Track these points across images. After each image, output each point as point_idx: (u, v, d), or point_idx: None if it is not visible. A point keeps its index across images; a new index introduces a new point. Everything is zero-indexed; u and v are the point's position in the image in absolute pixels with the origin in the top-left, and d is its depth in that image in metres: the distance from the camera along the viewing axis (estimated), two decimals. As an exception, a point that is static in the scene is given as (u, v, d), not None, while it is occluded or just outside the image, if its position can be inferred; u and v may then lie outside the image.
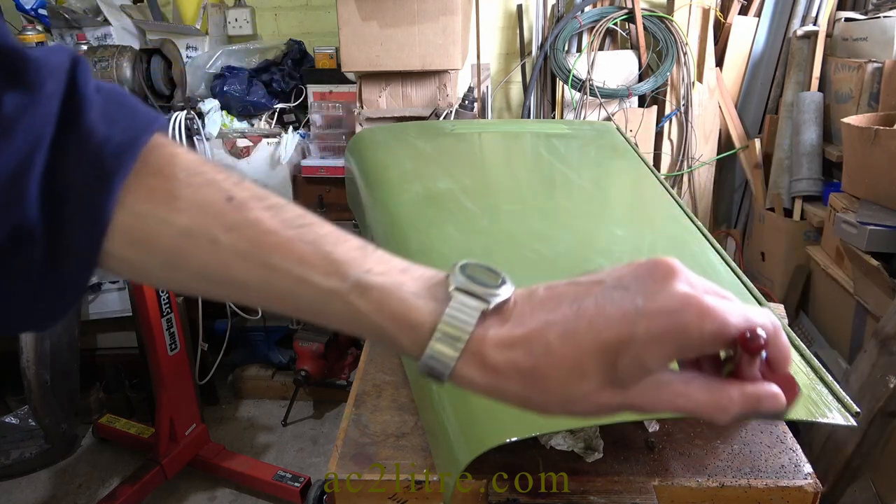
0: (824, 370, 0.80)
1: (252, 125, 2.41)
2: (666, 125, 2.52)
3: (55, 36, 2.48)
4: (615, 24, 2.47)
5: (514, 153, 1.48)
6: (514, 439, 0.69)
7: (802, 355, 0.82)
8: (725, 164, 2.63)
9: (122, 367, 2.50)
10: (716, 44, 2.50)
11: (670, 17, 2.43)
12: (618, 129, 1.56)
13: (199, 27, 2.58)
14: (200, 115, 2.26)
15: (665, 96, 2.50)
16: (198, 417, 2.22)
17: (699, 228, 1.06)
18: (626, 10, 2.45)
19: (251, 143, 2.30)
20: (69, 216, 0.37)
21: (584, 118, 2.48)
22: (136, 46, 2.41)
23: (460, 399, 0.73)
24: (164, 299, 2.01)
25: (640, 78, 2.50)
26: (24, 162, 0.35)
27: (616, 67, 2.49)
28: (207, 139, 2.27)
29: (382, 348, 1.00)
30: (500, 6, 2.62)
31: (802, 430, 1.50)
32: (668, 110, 2.51)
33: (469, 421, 0.71)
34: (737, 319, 0.35)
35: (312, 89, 2.34)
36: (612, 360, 0.35)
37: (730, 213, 2.72)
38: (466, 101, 2.04)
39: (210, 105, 2.29)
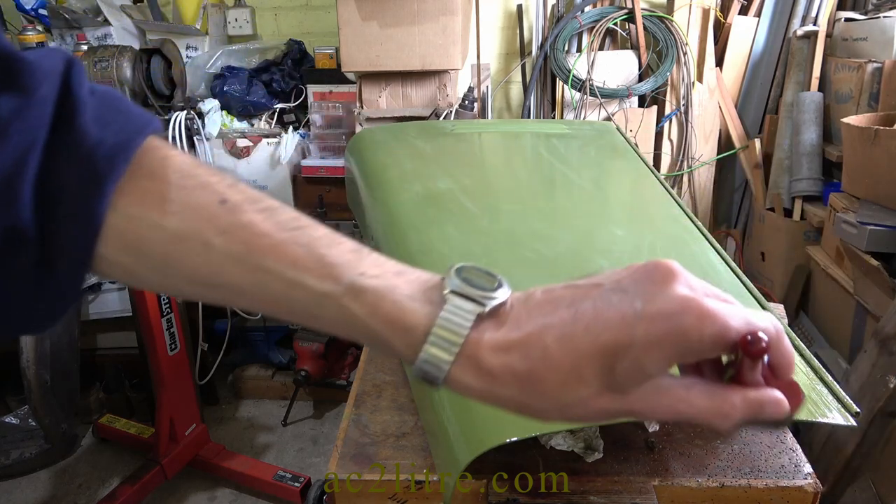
0: (824, 370, 0.80)
1: (252, 125, 2.41)
2: (666, 125, 2.52)
3: (55, 36, 2.48)
4: (615, 24, 2.47)
5: (514, 153, 1.48)
6: (514, 439, 0.69)
7: (802, 355, 0.82)
8: (725, 164, 2.63)
9: (122, 367, 2.50)
10: (716, 44, 2.50)
11: (670, 17, 2.43)
12: (618, 129, 1.56)
13: (199, 27, 2.58)
14: (200, 115, 2.26)
15: (665, 96, 2.50)
16: (198, 417, 2.22)
17: (699, 228, 1.06)
18: (626, 10, 2.44)
19: (251, 144, 2.30)
20: (63, 218, 0.37)
21: (584, 118, 2.48)
22: (137, 46, 2.41)
23: (460, 399, 0.73)
24: (164, 299, 2.01)
25: (640, 78, 2.50)
26: (18, 164, 0.35)
27: (616, 67, 2.49)
28: (207, 139, 2.27)
29: (378, 352, 0.99)
30: (500, 6, 2.62)
31: (802, 430, 1.50)
32: (668, 110, 2.51)
33: (469, 421, 0.71)
34: (738, 323, 0.34)
35: (312, 89, 2.34)
36: (610, 364, 0.35)
37: (730, 213, 2.72)
38: (466, 101, 2.04)
39: (210, 105, 2.29)
